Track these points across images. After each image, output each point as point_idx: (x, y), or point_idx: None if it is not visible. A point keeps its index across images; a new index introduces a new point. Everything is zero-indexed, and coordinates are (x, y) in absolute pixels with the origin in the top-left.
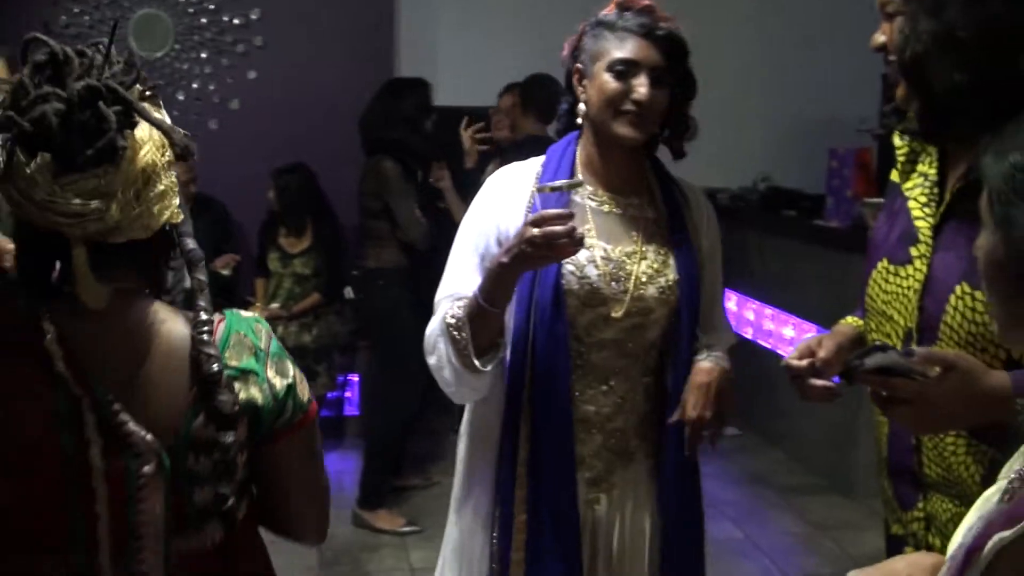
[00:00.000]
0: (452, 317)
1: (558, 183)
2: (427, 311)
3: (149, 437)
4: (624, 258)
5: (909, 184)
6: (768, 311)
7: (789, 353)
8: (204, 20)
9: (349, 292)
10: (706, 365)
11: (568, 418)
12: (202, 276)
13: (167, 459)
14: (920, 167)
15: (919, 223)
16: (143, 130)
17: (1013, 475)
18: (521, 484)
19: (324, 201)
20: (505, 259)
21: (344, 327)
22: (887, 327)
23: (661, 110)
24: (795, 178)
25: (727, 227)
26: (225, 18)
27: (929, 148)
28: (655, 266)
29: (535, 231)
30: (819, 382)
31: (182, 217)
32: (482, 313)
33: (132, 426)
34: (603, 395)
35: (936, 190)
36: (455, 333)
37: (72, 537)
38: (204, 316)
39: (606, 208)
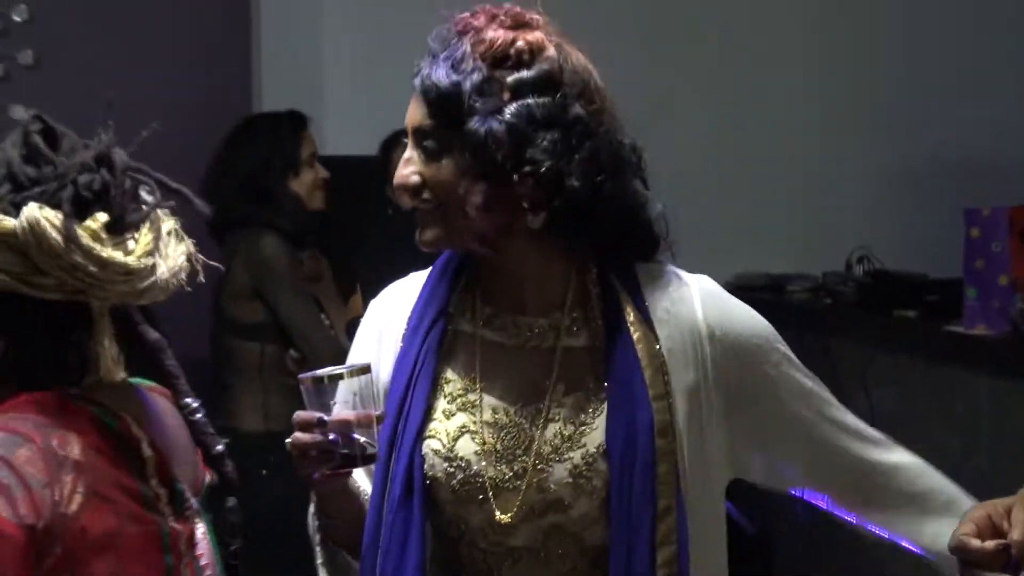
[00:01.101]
0: (313, 518)
1: (320, 373)
2: None
3: (195, 502)
4: (523, 421)
5: None
6: None
7: (957, 532)
8: None
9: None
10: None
11: None
12: (170, 358)
13: (207, 520)
14: None
15: None
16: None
17: None
18: None
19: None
20: None
21: None
22: None
23: (444, 192)
24: (912, 256)
25: (799, 333)
26: None
27: None
28: (567, 431)
29: (288, 442)
30: None
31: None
32: (326, 526)
33: (188, 494)
34: None
35: None
36: (317, 546)
37: None
38: (192, 400)
39: (505, 340)
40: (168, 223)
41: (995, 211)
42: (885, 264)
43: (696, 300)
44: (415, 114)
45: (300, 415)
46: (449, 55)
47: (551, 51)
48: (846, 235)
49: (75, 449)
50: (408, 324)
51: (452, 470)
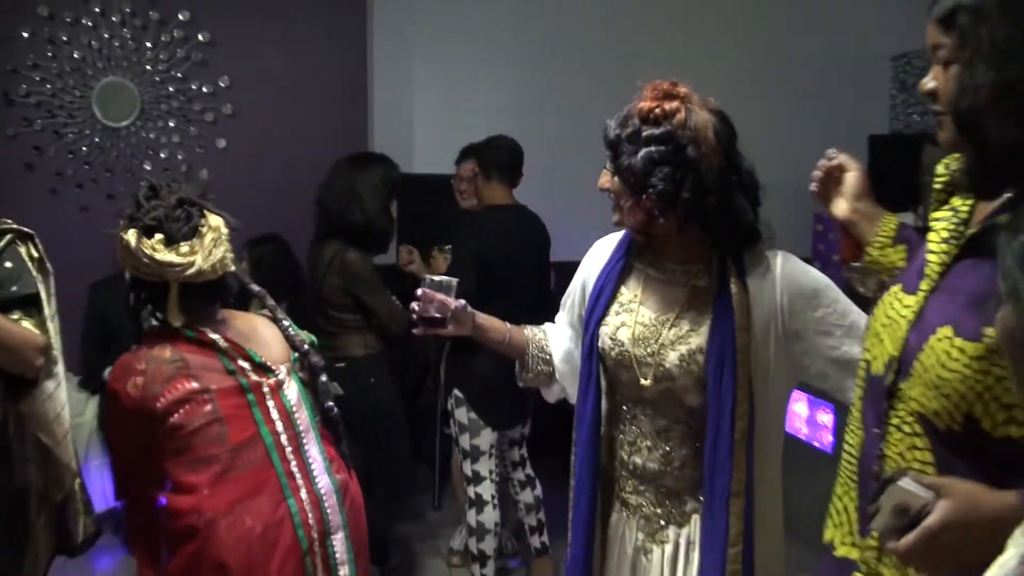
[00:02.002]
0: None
1: (429, 277)
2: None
3: (283, 368)
4: (658, 324)
5: (938, 215)
6: None
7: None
8: (172, 88)
9: (336, 387)
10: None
11: (590, 462)
12: (270, 301)
13: (296, 377)
14: (954, 200)
15: (930, 257)
16: (213, 217)
17: None
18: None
19: (301, 274)
20: None
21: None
22: (876, 349)
23: (620, 196)
24: (780, 243)
25: None
26: (193, 86)
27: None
28: (682, 333)
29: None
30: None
31: (234, 268)
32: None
33: (269, 363)
34: (648, 451)
35: (961, 228)
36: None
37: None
38: (283, 318)
39: (661, 276)
40: (211, 235)
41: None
42: None
43: (777, 270)
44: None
45: (417, 294)
46: (621, 114)
47: (681, 114)
48: None
49: (172, 352)
50: (607, 261)
51: (614, 346)
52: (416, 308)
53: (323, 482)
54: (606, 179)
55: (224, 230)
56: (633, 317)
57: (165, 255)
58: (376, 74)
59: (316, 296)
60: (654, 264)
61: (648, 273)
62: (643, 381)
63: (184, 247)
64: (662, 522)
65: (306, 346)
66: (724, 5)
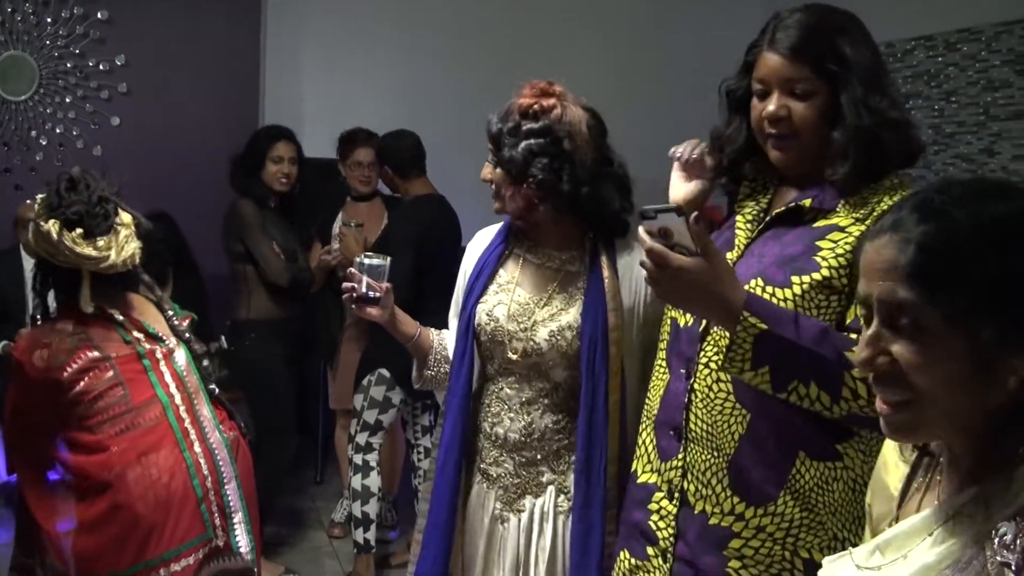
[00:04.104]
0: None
1: (364, 255)
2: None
3: (172, 340)
4: (531, 303)
5: (744, 204)
6: None
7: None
8: (69, 64)
9: (223, 342)
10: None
11: (460, 432)
12: (158, 291)
13: (185, 346)
14: (759, 196)
15: (739, 233)
16: (125, 215)
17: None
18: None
19: (187, 251)
20: None
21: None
22: None
23: (498, 186)
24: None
25: None
26: (91, 63)
27: (770, 186)
28: (553, 311)
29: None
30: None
31: (139, 260)
32: (408, 347)
33: (161, 334)
34: (511, 421)
35: (762, 215)
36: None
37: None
38: (167, 305)
39: (536, 260)
40: (125, 231)
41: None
42: None
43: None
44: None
45: (347, 274)
46: (502, 109)
47: (557, 110)
48: None
49: (75, 326)
50: (487, 246)
51: (489, 322)
52: (349, 287)
53: (214, 438)
54: (488, 170)
55: (133, 228)
56: (510, 296)
57: (84, 248)
58: (268, 58)
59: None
60: (532, 250)
61: (526, 258)
62: (512, 355)
63: (101, 242)
64: (520, 492)
65: (187, 334)
66: (606, 6)
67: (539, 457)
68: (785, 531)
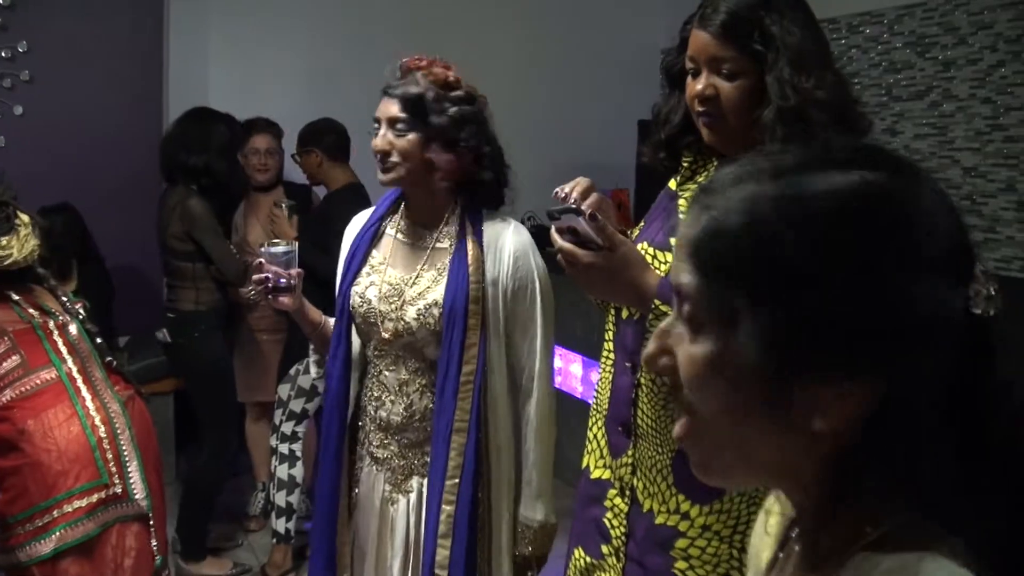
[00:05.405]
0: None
1: (269, 243)
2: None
3: (67, 317)
4: (400, 282)
5: (685, 187)
6: None
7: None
8: None
9: (164, 335)
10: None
11: (338, 417)
12: (51, 281)
13: (77, 321)
14: (699, 178)
15: (683, 217)
16: (23, 215)
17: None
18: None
19: (91, 243)
20: None
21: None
22: None
23: (406, 154)
24: None
25: None
26: None
27: (709, 165)
28: (421, 289)
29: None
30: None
31: (38, 255)
32: (310, 336)
33: (56, 311)
34: (392, 403)
35: None
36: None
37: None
38: (61, 293)
39: (406, 240)
40: (24, 231)
41: (604, 191)
42: (542, 222)
43: (508, 236)
44: (391, 108)
45: (253, 264)
46: (413, 79)
47: (463, 81)
48: (520, 203)
49: None
50: (360, 229)
51: (363, 304)
52: (262, 276)
53: (106, 395)
54: (388, 140)
55: (30, 226)
56: (381, 277)
57: None
58: (172, 43)
59: (161, 244)
60: (403, 229)
61: (397, 238)
62: (384, 335)
63: (3, 241)
64: (406, 473)
65: (81, 314)
66: None
67: (422, 438)
68: (732, 528)
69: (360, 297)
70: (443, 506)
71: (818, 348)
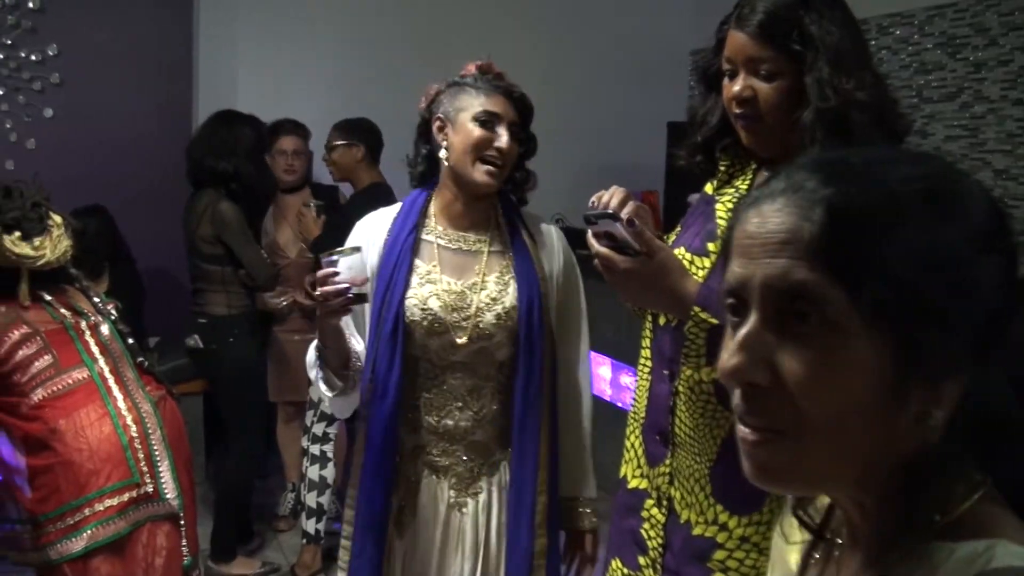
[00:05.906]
0: (314, 350)
1: (336, 251)
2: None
3: (99, 317)
4: (466, 289)
5: (723, 191)
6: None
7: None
8: (1, 55)
9: (196, 341)
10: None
11: (392, 434)
12: (84, 282)
13: (109, 321)
14: (736, 182)
15: (720, 223)
16: (56, 216)
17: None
18: (353, 491)
19: (123, 244)
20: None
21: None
22: None
23: (513, 161)
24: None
25: None
26: (22, 53)
27: (747, 169)
28: (493, 295)
29: (314, 293)
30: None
31: (71, 256)
32: (323, 351)
33: (88, 312)
34: (459, 411)
35: None
36: (313, 369)
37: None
38: (93, 293)
39: (453, 246)
40: (57, 232)
41: (634, 193)
42: (572, 223)
43: (552, 231)
44: (509, 110)
45: (321, 273)
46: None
47: None
48: (549, 205)
49: (8, 308)
50: (388, 235)
51: (424, 316)
52: (342, 287)
53: (138, 395)
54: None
55: (63, 227)
56: (439, 286)
57: (23, 249)
58: (201, 47)
59: (189, 248)
60: (444, 235)
61: (439, 244)
62: (459, 341)
63: (37, 242)
64: (474, 475)
65: (113, 315)
66: None
67: (488, 439)
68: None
69: (421, 309)
70: (538, 497)
71: (949, 338)
